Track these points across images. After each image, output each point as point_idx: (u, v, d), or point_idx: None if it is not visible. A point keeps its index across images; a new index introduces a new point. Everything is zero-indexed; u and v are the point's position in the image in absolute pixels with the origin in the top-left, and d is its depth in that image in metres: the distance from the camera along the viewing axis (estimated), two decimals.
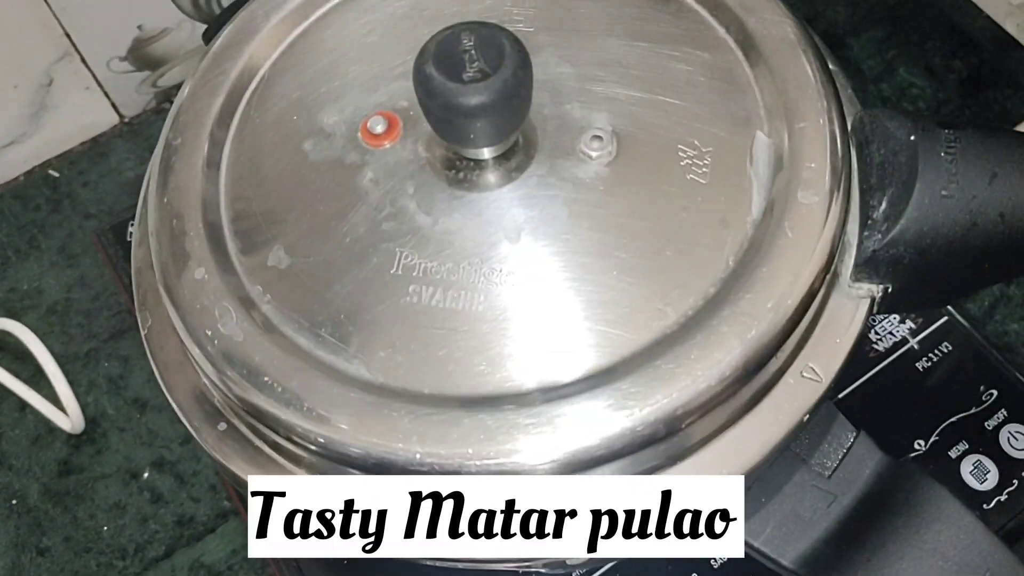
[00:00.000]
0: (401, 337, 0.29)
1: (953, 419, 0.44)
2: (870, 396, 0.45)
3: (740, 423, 0.30)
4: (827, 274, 0.30)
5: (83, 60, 0.56)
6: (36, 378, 0.49)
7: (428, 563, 0.31)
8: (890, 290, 0.32)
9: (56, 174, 0.58)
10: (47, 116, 0.57)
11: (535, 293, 0.30)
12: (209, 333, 0.30)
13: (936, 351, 0.46)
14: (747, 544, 0.33)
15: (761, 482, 0.33)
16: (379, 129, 0.32)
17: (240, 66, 0.35)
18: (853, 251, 0.31)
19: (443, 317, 0.30)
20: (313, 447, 0.29)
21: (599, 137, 0.32)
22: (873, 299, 0.32)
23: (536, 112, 0.32)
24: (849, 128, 0.33)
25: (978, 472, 0.43)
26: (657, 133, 0.32)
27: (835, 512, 0.33)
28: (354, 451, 0.28)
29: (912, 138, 0.31)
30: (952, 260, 0.31)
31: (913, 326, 0.46)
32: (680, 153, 0.31)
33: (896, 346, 0.46)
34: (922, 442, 0.44)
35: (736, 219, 0.30)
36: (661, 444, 0.28)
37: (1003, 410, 0.44)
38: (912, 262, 0.31)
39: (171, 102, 0.59)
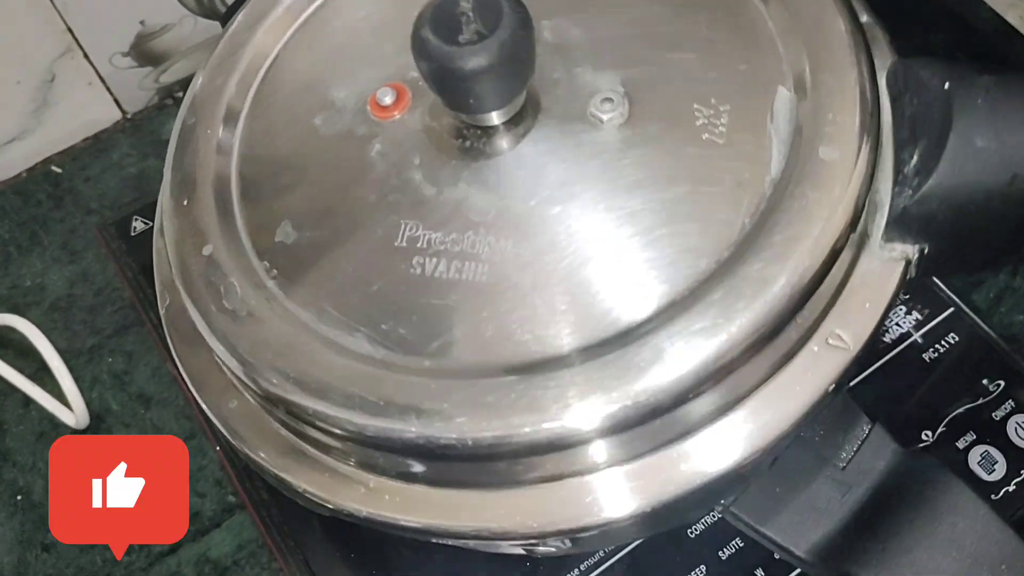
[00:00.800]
0: (404, 309, 0.29)
1: (960, 410, 0.44)
2: (877, 387, 0.44)
3: (758, 393, 0.28)
4: (851, 233, 0.29)
5: (86, 56, 0.56)
6: (40, 374, 0.49)
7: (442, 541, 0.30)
8: (926, 251, 0.30)
9: (58, 170, 0.58)
10: (49, 112, 0.57)
11: (542, 262, 0.29)
12: (215, 309, 0.30)
13: (943, 342, 0.46)
14: (760, 533, 0.33)
15: (775, 471, 0.32)
16: (387, 101, 0.32)
17: (254, 47, 0.35)
18: (885, 210, 0.30)
19: (446, 288, 0.29)
20: (318, 423, 0.28)
21: (610, 99, 0.31)
22: (908, 261, 0.30)
23: (545, 76, 0.31)
24: (883, 79, 0.31)
25: (986, 463, 0.43)
26: (671, 93, 0.31)
27: (849, 503, 0.32)
28: (351, 425, 0.28)
29: (947, 86, 0.29)
30: (992, 217, 0.29)
31: (920, 317, 0.46)
32: (696, 113, 0.30)
33: (902, 337, 0.46)
34: (929, 433, 0.43)
35: (754, 180, 0.29)
36: (673, 414, 0.27)
37: (1010, 400, 0.44)
38: (947, 220, 0.29)
39: (173, 98, 0.60)
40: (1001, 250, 0.34)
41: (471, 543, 0.31)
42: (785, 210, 0.28)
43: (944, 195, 0.29)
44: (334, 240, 0.31)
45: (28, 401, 0.49)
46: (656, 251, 0.29)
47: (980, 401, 0.44)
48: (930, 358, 0.45)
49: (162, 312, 0.34)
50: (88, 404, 0.49)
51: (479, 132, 0.31)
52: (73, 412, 0.48)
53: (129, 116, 0.60)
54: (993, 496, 0.42)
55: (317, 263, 0.31)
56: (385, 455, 0.29)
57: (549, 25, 0.30)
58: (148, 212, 0.52)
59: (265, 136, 0.33)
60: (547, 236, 0.29)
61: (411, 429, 0.27)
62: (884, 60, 0.32)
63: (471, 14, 0.27)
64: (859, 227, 0.29)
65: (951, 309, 0.46)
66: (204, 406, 0.33)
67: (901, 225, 0.29)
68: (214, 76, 0.35)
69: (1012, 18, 0.60)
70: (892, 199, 0.29)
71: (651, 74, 0.31)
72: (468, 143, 0.31)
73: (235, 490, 0.46)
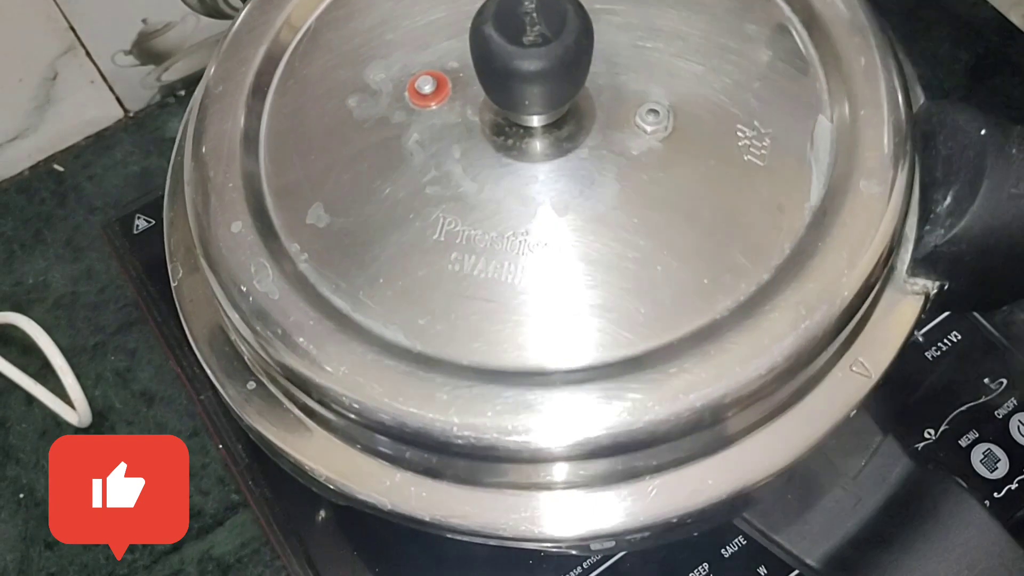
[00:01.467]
0: (441, 305, 0.28)
1: (963, 408, 0.44)
2: (879, 386, 0.44)
3: (784, 415, 0.29)
4: (885, 268, 0.29)
5: (88, 54, 0.56)
6: (43, 372, 0.49)
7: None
8: (946, 287, 0.31)
9: (61, 168, 0.58)
10: (52, 110, 0.57)
11: (580, 269, 0.29)
12: (244, 289, 0.29)
13: (945, 340, 0.46)
14: (772, 540, 0.33)
15: (786, 480, 0.32)
16: (427, 89, 0.31)
17: (285, 15, 0.33)
18: (911, 246, 0.30)
19: (485, 288, 0.29)
20: (346, 412, 0.28)
21: (655, 111, 0.30)
22: (928, 296, 0.30)
23: (590, 81, 0.30)
24: (914, 119, 0.31)
25: (988, 461, 0.43)
26: (715, 111, 0.31)
27: (860, 513, 0.32)
28: (387, 419, 0.27)
29: (983, 132, 0.30)
30: (1014, 261, 0.30)
31: (922, 316, 0.46)
32: (739, 133, 0.30)
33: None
34: (932, 431, 0.43)
35: (793, 205, 0.29)
36: (702, 433, 0.27)
37: (1012, 399, 0.44)
38: (972, 261, 0.30)
39: (175, 96, 0.60)
40: (1016, 293, 0.35)
41: (492, 542, 0.31)
42: (825, 239, 0.28)
43: (974, 238, 0.29)
44: (368, 228, 0.30)
45: (31, 399, 0.49)
46: (695, 269, 0.29)
47: (982, 399, 0.44)
48: (932, 356, 0.45)
49: (173, 286, 0.33)
50: (91, 402, 0.49)
51: (522, 131, 0.30)
52: (76, 410, 0.48)
53: (131, 114, 0.60)
54: (996, 494, 0.42)
55: (351, 250, 0.30)
56: (415, 450, 0.28)
57: (596, 29, 0.29)
58: (151, 210, 0.52)
59: (296, 112, 0.32)
60: (584, 245, 0.29)
61: (452, 430, 0.27)
62: (915, 98, 0.32)
63: (535, 15, 0.26)
64: (889, 261, 0.29)
65: None
66: (218, 386, 0.32)
67: (928, 262, 0.30)
68: (243, 44, 0.33)
69: (1015, 17, 0.60)
70: (921, 236, 0.30)
71: (696, 90, 0.31)
72: (509, 141, 0.30)
73: (238, 488, 0.46)
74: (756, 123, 0.30)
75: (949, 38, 0.59)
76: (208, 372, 0.32)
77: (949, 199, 0.30)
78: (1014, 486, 0.42)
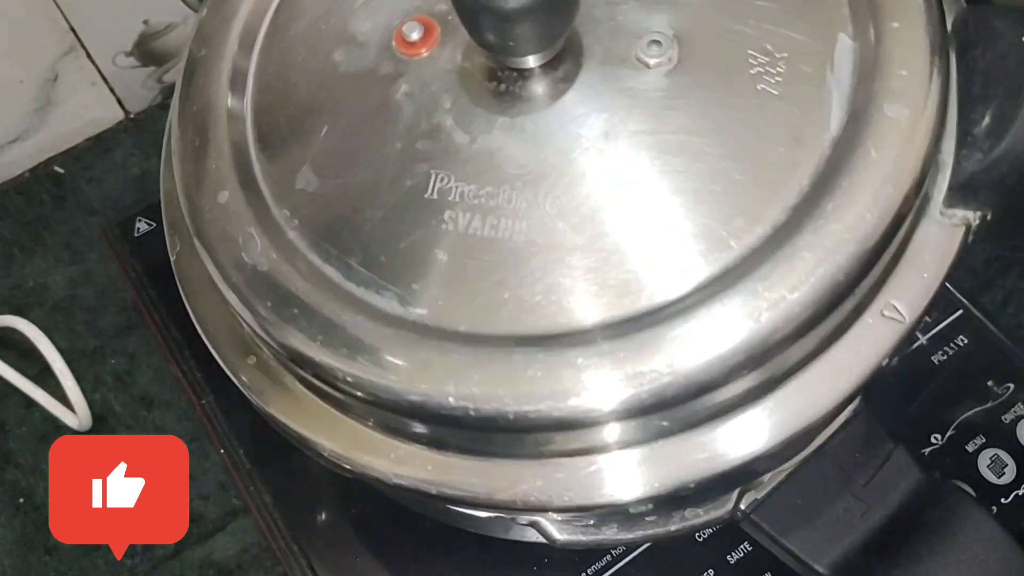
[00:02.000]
0: (436, 268, 0.27)
1: (969, 413, 0.43)
2: (885, 390, 0.44)
3: (810, 368, 0.27)
4: (916, 199, 0.27)
5: (88, 55, 0.55)
6: (42, 375, 0.49)
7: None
8: (988, 218, 0.28)
9: (61, 170, 0.57)
10: (52, 112, 0.56)
11: (582, 220, 0.27)
12: (234, 261, 0.28)
13: (952, 344, 0.45)
14: (780, 544, 0.32)
15: (795, 484, 0.32)
16: (414, 36, 0.29)
17: None
18: (948, 172, 0.27)
19: (482, 247, 0.27)
20: (342, 385, 0.27)
21: (658, 42, 0.28)
22: (968, 227, 0.28)
23: (586, 14, 0.28)
24: (949, 29, 0.28)
25: (995, 466, 0.42)
26: (724, 37, 0.28)
27: (869, 522, 0.32)
28: (384, 392, 0.26)
29: None
30: None
31: (928, 319, 0.46)
32: (750, 60, 0.28)
33: (912, 339, 0.46)
34: (938, 436, 0.43)
35: (812, 136, 0.27)
36: (718, 392, 0.26)
37: (1020, 403, 0.43)
38: (1017, 185, 0.27)
39: None
40: None
41: (488, 512, 0.30)
42: (847, 171, 0.26)
43: (1016, 159, 0.27)
44: (359, 190, 0.28)
45: (30, 403, 0.49)
46: (705, 213, 0.26)
47: (989, 404, 0.44)
48: (938, 361, 0.45)
49: (172, 259, 0.32)
50: (90, 406, 0.48)
51: (515, 75, 0.28)
52: (75, 414, 0.48)
53: (132, 116, 0.60)
54: (1003, 500, 0.42)
55: (341, 214, 0.28)
56: (415, 422, 0.27)
57: None
58: (151, 213, 0.52)
59: (281, 72, 0.31)
60: (586, 193, 0.27)
61: (448, 400, 0.25)
62: (950, 6, 0.29)
63: None
64: (922, 191, 0.27)
65: (960, 311, 0.46)
66: (220, 361, 0.31)
67: (967, 190, 0.27)
68: (224, 5, 0.32)
69: None
70: (958, 161, 0.27)
71: (702, 15, 0.29)
72: (503, 87, 0.28)
73: (239, 493, 0.46)
74: (769, 47, 0.28)
75: None
76: (209, 346, 0.31)
77: (988, 118, 0.27)
78: (1022, 491, 0.42)
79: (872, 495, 0.32)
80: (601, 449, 0.27)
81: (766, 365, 0.26)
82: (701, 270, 0.26)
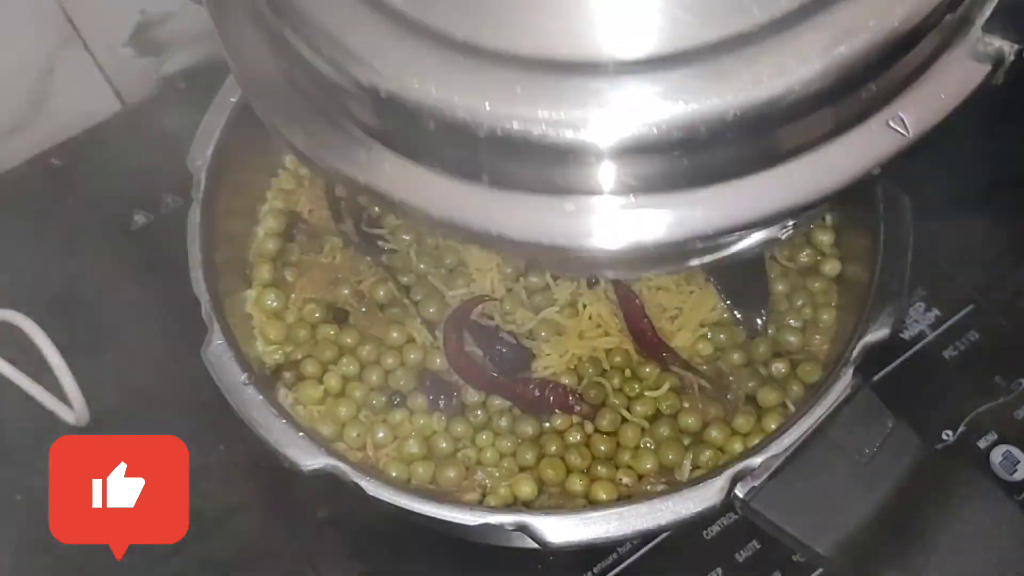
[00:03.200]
0: None
1: (981, 409, 0.43)
2: (896, 386, 0.44)
3: (800, 157, 0.26)
4: (953, 10, 0.26)
5: (85, 46, 0.54)
6: (40, 371, 0.48)
7: None
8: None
9: (58, 163, 0.57)
10: (49, 103, 0.55)
11: None
12: None
13: (963, 340, 0.45)
14: (782, 530, 0.32)
15: (796, 466, 0.32)
16: None
17: None
18: None
19: None
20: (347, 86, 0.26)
21: None
22: (1001, 61, 0.26)
23: None
24: None
25: (1007, 463, 0.42)
26: None
27: (872, 500, 0.32)
28: (389, 94, 0.25)
29: None
30: None
31: (939, 314, 0.45)
32: None
33: (922, 334, 0.45)
34: (950, 432, 0.43)
35: None
36: (707, 152, 0.25)
37: None
38: None
39: (175, 89, 0.59)
40: None
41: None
42: None
43: None
44: None
45: (28, 398, 0.48)
46: None
47: (1001, 400, 0.43)
48: (949, 356, 0.45)
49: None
50: (88, 402, 0.47)
51: None
52: (73, 410, 0.47)
53: (130, 108, 0.59)
54: (1016, 496, 0.41)
55: None
56: (389, 120, 0.27)
57: None
58: (149, 206, 0.51)
59: None
60: None
61: (480, 118, 0.24)
62: None
63: None
64: (961, 8, 0.26)
65: (970, 306, 0.46)
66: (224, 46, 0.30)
67: (1010, 15, 0.26)
68: None
69: None
70: None
71: None
72: None
73: (239, 490, 0.45)
74: None
75: None
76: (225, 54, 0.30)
77: None
78: None
79: (874, 473, 0.32)
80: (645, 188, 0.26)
81: (755, 138, 0.25)
82: (716, 28, 0.25)
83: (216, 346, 0.37)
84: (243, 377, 0.37)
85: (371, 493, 0.34)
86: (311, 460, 0.35)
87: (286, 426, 0.36)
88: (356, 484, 0.34)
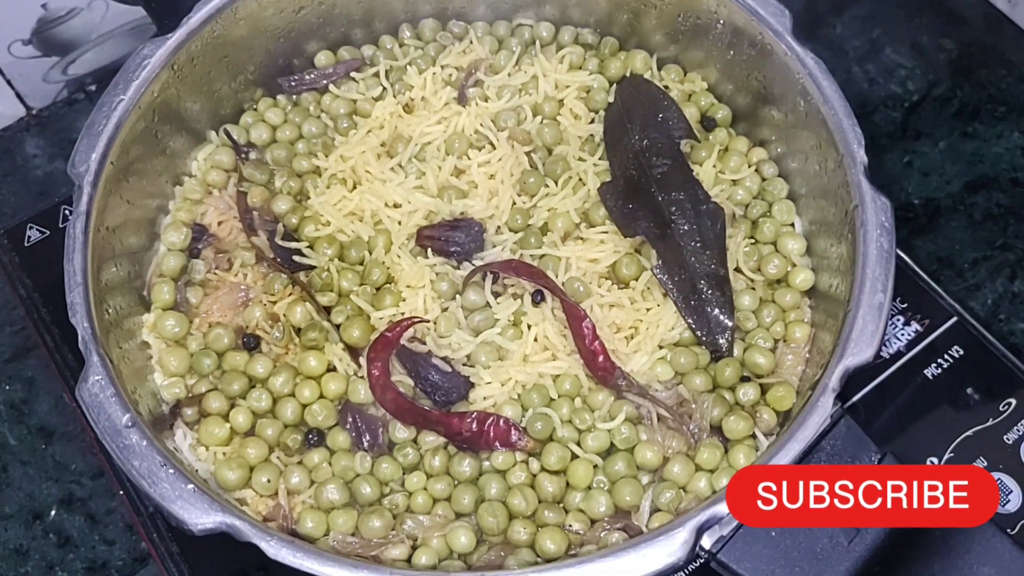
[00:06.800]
0: None
1: (969, 432, 0.40)
2: (877, 407, 0.41)
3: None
4: None
5: None
6: None
7: None
8: None
9: None
10: None
11: None
12: None
13: (946, 356, 0.42)
14: None
15: None
16: None
17: None
18: None
19: None
20: None
21: None
22: None
23: None
24: None
25: (999, 492, 0.39)
26: None
27: (858, 550, 0.30)
28: None
29: None
30: None
31: (919, 329, 0.42)
32: None
33: (903, 351, 0.42)
34: (935, 459, 0.40)
35: None
36: None
37: (1022, 422, 0.41)
38: None
39: (85, 91, 0.54)
40: None
41: None
42: None
43: None
44: None
45: None
46: None
47: (989, 423, 0.41)
48: (932, 375, 0.42)
49: None
50: None
51: None
52: None
53: (35, 112, 0.54)
54: (1009, 530, 0.38)
55: None
56: None
57: None
58: (46, 219, 0.47)
59: None
60: None
61: None
62: None
63: None
64: None
65: (953, 319, 0.43)
66: None
67: None
68: None
69: (1000, 2, 0.57)
70: None
71: None
72: None
73: (147, 537, 0.41)
74: None
75: (931, 26, 0.55)
76: None
77: None
78: None
79: None
80: None
81: None
82: None
83: (93, 383, 0.33)
84: (125, 419, 0.32)
85: (272, 556, 0.30)
86: (202, 518, 0.31)
87: (174, 476, 0.31)
88: (255, 545, 0.30)
